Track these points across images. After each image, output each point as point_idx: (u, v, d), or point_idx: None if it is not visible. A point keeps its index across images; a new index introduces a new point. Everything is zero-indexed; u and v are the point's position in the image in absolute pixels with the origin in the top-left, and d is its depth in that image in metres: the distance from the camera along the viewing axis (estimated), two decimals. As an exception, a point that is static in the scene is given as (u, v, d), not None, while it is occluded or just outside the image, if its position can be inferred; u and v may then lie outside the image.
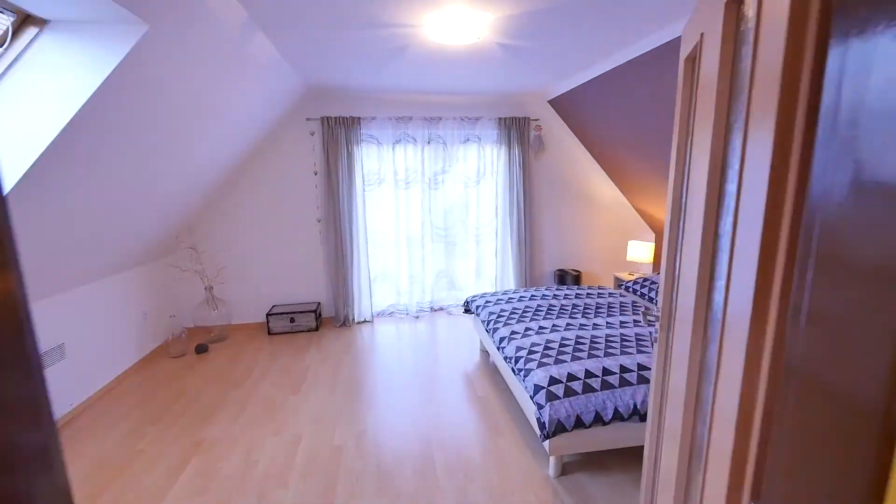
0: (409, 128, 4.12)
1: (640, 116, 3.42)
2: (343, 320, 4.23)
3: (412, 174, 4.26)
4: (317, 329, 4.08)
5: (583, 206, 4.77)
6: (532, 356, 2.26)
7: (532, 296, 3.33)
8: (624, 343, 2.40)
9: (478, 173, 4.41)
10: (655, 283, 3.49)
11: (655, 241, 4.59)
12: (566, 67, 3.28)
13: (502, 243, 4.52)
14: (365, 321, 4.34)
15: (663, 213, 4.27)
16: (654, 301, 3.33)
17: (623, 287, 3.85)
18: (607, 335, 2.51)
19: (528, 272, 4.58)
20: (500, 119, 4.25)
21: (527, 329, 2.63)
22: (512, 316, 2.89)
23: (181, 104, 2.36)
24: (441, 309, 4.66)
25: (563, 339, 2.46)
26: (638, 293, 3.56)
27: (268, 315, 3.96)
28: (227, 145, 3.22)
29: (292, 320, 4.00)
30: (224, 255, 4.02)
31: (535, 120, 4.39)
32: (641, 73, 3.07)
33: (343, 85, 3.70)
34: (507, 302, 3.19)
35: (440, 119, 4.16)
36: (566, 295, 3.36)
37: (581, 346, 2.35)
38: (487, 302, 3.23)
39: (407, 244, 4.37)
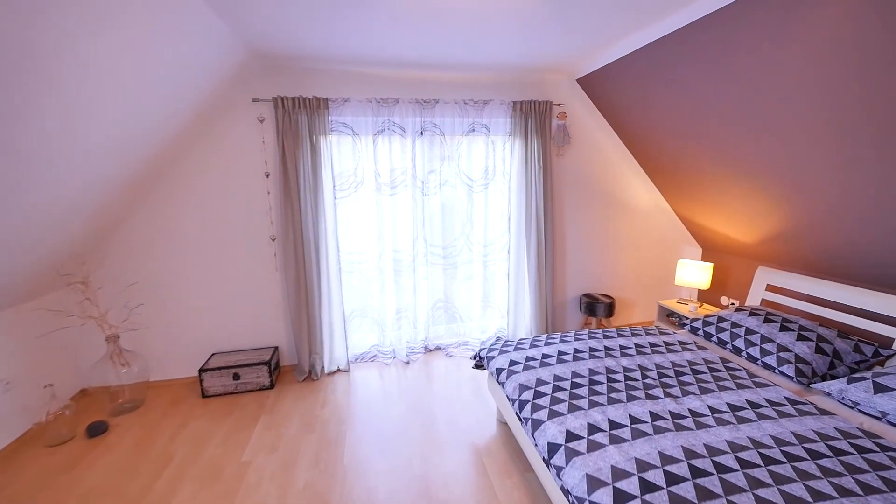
0: (395, 114, 3.08)
1: (694, 99, 2.45)
2: (308, 371, 3.15)
3: (399, 175, 3.21)
4: (271, 386, 2.99)
5: (615, 215, 3.79)
6: (624, 507, 1.24)
7: (576, 350, 2.31)
8: (770, 460, 1.40)
9: (486, 174, 3.38)
10: (739, 324, 2.51)
11: (713, 261, 3.64)
12: (604, 31, 2.28)
13: (516, 263, 3.51)
14: (338, 370, 3.27)
15: (714, 223, 3.32)
16: (744, 353, 2.36)
17: (683, 325, 2.87)
18: (732, 441, 1.51)
19: (549, 300, 3.57)
20: (514, 103, 3.23)
21: (592, 429, 1.61)
22: (558, 394, 1.87)
23: (38, 64, 1.28)
24: (438, 349, 3.62)
25: (662, 453, 1.45)
26: (713, 339, 2.58)
27: (202, 371, 2.85)
28: (125, 133, 2.12)
29: (236, 377, 2.90)
30: (138, 290, 2.90)
31: (559, 105, 3.39)
32: (699, 43, 2.12)
33: (302, 52, 2.63)
34: (541, 364, 2.16)
35: (436, 102, 3.12)
36: (622, 347, 2.36)
37: (702, 472, 1.34)
38: (513, 364, 2.19)
39: (393, 268, 3.32)
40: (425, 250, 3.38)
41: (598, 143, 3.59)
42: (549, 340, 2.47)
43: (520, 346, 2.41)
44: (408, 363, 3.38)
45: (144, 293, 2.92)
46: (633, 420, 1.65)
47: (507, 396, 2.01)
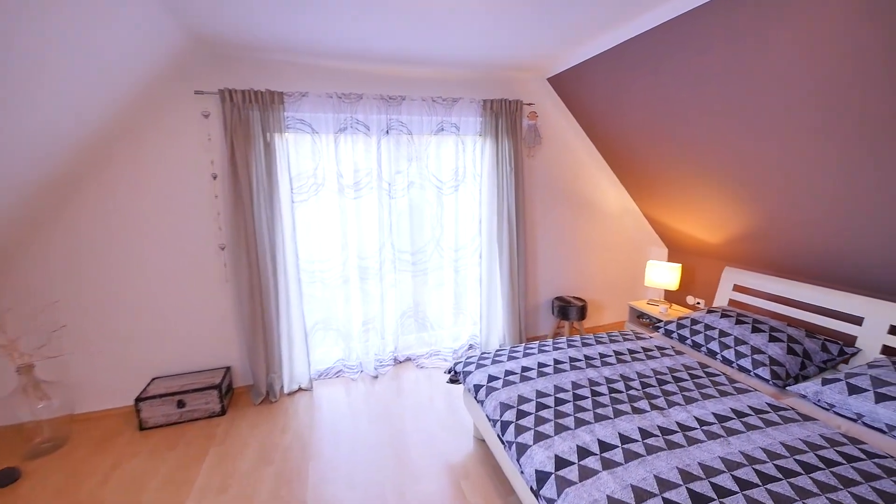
0: (358, 110, 2.85)
1: (663, 101, 2.43)
2: (266, 393, 2.86)
3: (364, 177, 2.99)
4: (223, 413, 2.68)
5: (585, 217, 3.76)
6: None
7: (556, 361, 2.20)
8: (767, 478, 1.33)
9: (456, 175, 3.23)
10: (713, 326, 2.51)
11: (679, 262, 3.68)
12: (576, 28, 2.20)
13: (488, 268, 3.38)
14: (300, 389, 3.00)
15: (681, 224, 3.35)
16: (719, 357, 2.35)
17: (657, 328, 2.85)
18: (725, 457, 1.43)
19: (521, 305, 3.47)
20: (484, 102, 3.10)
21: (582, 452, 1.48)
22: (542, 412, 1.74)
23: None
24: (409, 360, 3.43)
25: (658, 478, 1.34)
26: (688, 342, 2.56)
27: (139, 399, 2.50)
28: (41, 127, 1.77)
29: (181, 404, 2.57)
30: (61, 310, 2.51)
31: (530, 105, 3.29)
32: (668, 44, 2.09)
33: (253, 41, 2.36)
34: (521, 378, 2.03)
35: (403, 99, 2.93)
36: (602, 356, 2.27)
37: (702, 498, 1.25)
38: (492, 379, 2.05)
39: (359, 276, 3.09)
40: (393, 256, 3.18)
41: (568, 143, 3.53)
42: (528, 351, 2.35)
43: (497, 358, 2.27)
44: (376, 377, 3.16)
45: (68, 313, 2.53)
46: (624, 439, 1.55)
47: (488, 417, 1.86)
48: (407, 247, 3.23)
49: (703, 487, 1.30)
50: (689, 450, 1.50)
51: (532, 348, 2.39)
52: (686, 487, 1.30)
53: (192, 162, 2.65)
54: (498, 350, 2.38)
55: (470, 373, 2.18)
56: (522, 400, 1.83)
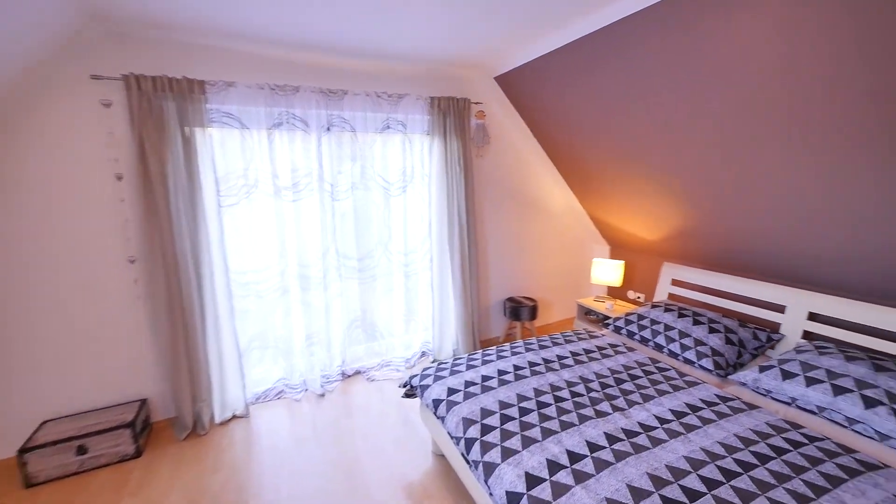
0: (294, 104, 2.59)
1: (604, 101, 2.50)
2: (193, 425, 2.50)
3: (304, 178, 2.73)
4: (138, 455, 2.29)
5: (533, 217, 3.79)
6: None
7: (516, 367, 2.13)
8: (729, 474, 1.35)
9: (403, 176, 3.07)
10: (658, 321, 2.60)
11: (620, 258, 3.82)
12: (523, 27, 2.16)
13: (439, 271, 3.27)
14: (235, 417, 2.67)
15: (622, 223, 3.49)
16: (665, 350, 2.43)
17: (606, 325, 2.92)
18: (689, 456, 1.44)
19: (474, 308, 3.40)
20: (432, 99, 2.98)
21: (553, 467, 1.41)
22: (508, 425, 1.65)
23: None
24: (358, 373, 3.21)
25: (630, 486, 1.30)
26: (636, 337, 2.64)
27: (23, 450, 2.04)
28: None
29: (82, 450, 2.15)
30: None
31: (478, 103, 3.23)
32: (611, 46, 2.17)
33: (165, 19, 2.03)
34: (482, 389, 1.93)
35: (345, 94, 2.72)
36: (560, 358, 2.25)
37: (673, 508, 1.23)
38: (452, 392, 1.92)
39: (300, 286, 2.82)
40: (337, 263, 2.95)
41: (515, 143, 3.53)
42: (486, 357, 2.26)
43: (455, 368, 2.16)
44: (323, 395, 2.91)
45: (-83, 349, 2.00)
46: (592, 447, 1.50)
47: (450, 434, 1.74)
48: (353, 252, 3.01)
49: (674, 492, 1.28)
50: (655, 451, 1.48)
51: (490, 354, 2.31)
52: (659, 494, 1.27)
53: (90, 159, 2.23)
54: (456, 359, 2.27)
55: (428, 386, 2.04)
56: (486, 413, 1.73)
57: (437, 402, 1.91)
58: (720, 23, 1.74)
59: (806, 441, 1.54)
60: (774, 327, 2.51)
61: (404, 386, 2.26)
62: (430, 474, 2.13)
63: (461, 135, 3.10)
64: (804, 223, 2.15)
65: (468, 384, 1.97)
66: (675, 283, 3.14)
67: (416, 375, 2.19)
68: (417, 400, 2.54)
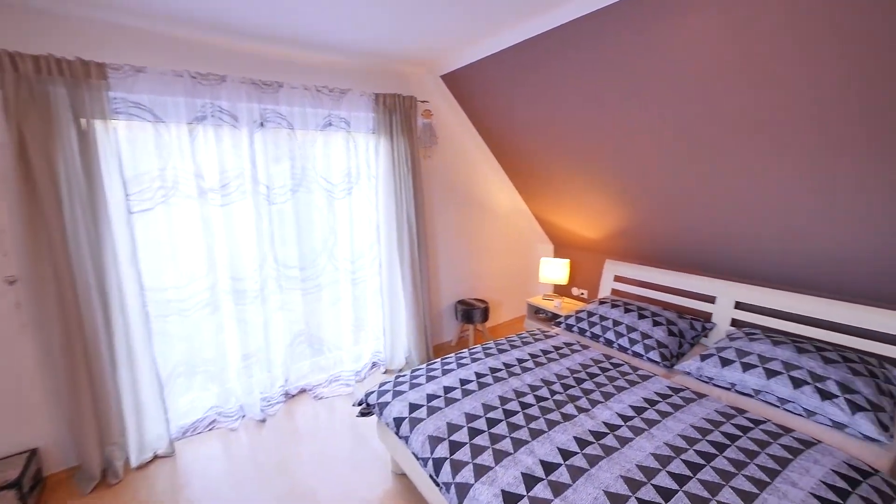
0: (221, 96, 2.29)
1: (549, 102, 2.56)
2: (102, 473, 2.10)
3: (234, 179, 2.43)
4: (28, 518, 1.86)
5: (481, 217, 3.77)
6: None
7: (478, 375, 2.05)
8: (694, 467, 1.38)
9: (349, 177, 2.87)
10: (606, 317, 2.69)
11: (563, 257, 3.94)
12: (475, 21, 2.12)
13: (389, 277, 3.11)
14: (157, 457, 2.30)
15: (566, 222, 3.61)
16: (615, 345, 2.52)
17: (558, 323, 2.97)
18: (655, 452, 1.46)
19: (426, 313, 3.30)
20: (377, 96, 2.82)
21: (529, 481, 1.35)
22: (477, 439, 1.56)
23: None
24: (303, 391, 2.95)
25: (608, 493, 1.28)
26: (587, 334, 2.71)
27: None
28: None
29: (-54, 523, 1.69)
30: None
31: (424, 102, 3.13)
32: (553, 50, 2.22)
33: (44, -18, 1.66)
34: (446, 401, 1.83)
35: (280, 86, 2.46)
36: (520, 361, 2.22)
37: (650, 510, 1.22)
38: (414, 408, 1.79)
39: (234, 301, 2.52)
40: (277, 273, 2.68)
41: (462, 143, 3.48)
42: (446, 367, 2.16)
43: (415, 380, 2.03)
44: (264, 420, 2.62)
45: None
46: (564, 454, 1.47)
47: (416, 455, 1.61)
48: (294, 261, 2.75)
49: (649, 493, 1.28)
50: (624, 451, 1.49)
51: (450, 363, 2.21)
52: (636, 498, 1.26)
53: (-54, 156, 1.77)
54: (414, 371, 2.15)
55: (387, 404, 1.89)
56: (453, 428, 1.64)
57: (398, 421, 1.77)
58: (670, 28, 1.81)
59: (751, 425, 1.64)
60: (707, 317, 2.71)
61: (359, 404, 2.09)
62: (391, 495, 1.98)
63: (408, 134, 2.98)
64: (733, 222, 2.34)
65: (430, 398, 1.86)
66: (618, 279, 3.29)
67: (373, 392, 2.03)
68: (374, 418, 2.37)
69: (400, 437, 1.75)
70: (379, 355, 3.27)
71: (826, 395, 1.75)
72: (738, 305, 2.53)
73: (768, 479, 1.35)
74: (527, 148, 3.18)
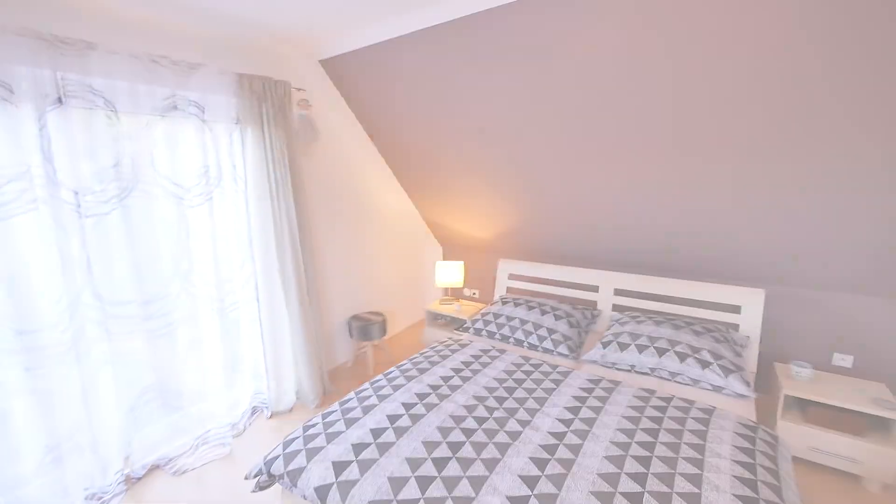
0: (-28, 51, 1.46)
1: (436, 99, 2.49)
2: None
3: (10, 182, 1.59)
4: None
5: (368, 222, 3.45)
6: None
7: (406, 405, 1.77)
8: (644, 461, 1.41)
9: (206, 178, 2.22)
10: (512, 317, 2.72)
11: (455, 259, 3.91)
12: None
13: (268, 300, 2.56)
14: None
15: (453, 223, 3.61)
16: (525, 343, 2.56)
17: (466, 329, 2.88)
18: (608, 456, 1.44)
19: (318, 336, 2.83)
20: (241, 77, 2.24)
21: (505, 528, 1.16)
22: (431, 491, 1.31)
23: None
24: (157, 467, 2.18)
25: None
26: (496, 336, 2.69)
27: None
28: None
29: None
30: None
31: (301, 90, 2.65)
32: (446, 44, 2.16)
33: None
34: (380, 450, 1.51)
35: (90, 47, 1.71)
36: (446, 379, 2.02)
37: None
38: (343, 468, 1.42)
39: (22, 365, 1.67)
40: (101, 314, 1.89)
41: (345, 139, 3.09)
42: (364, 402, 1.82)
43: (330, 428, 1.65)
44: (95, 527, 1.82)
45: None
46: (529, 482, 1.34)
47: (357, 531, 1.26)
48: (131, 294, 1.99)
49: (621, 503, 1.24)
50: (580, 462, 1.44)
51: (367, 395, 1.88)
52: (613, 514, 1.20)
53: None
54: (327, 414, 1.75)
55: (301, 469, 1.47)
56: (398, 484, 1.34)
57: (322, 491, 1.38)
58: (564, 28, 1.83)
59: (664, 403, 1.80)
60: (593, 305, 2.98)
61: (256, 476, 1.59)
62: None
63: (283, 127, 2.47)
64: (612, 216, 2.59)
65: (359, 448, 1.51)
66: (512, 276, 3.39)
67: (276, 456, 1.56)
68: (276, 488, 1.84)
69: (327, 510, 1.36)
70: (261, 396, 2.67)
71: (705, 364, 2.04)
72: (617, 292, 2.85)
73: (700, 456, 1.46)
74: (416, 147, 3.01)
